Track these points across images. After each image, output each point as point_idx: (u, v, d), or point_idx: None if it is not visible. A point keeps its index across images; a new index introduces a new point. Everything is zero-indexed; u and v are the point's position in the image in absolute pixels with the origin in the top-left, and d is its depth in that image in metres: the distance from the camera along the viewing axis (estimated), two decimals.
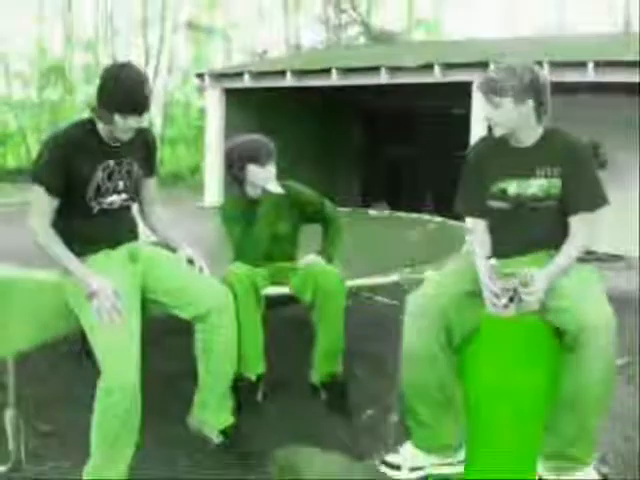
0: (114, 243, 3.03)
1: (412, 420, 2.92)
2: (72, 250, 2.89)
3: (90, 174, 2.89)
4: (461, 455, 2.89)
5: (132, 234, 3.15)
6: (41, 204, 2.86)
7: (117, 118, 2.80)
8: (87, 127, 2.93)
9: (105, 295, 2.76)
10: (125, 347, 2.74)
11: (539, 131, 2.83)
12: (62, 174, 2.83)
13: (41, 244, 2.86)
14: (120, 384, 2.67)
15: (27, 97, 29.71)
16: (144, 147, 3.11)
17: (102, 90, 2.80)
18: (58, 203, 2.88)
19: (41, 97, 29.15)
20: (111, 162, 2.95)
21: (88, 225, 2.95)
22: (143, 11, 29.64)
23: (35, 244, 2.88)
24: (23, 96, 29.84)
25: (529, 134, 2.82)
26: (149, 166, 3.17)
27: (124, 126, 2.84)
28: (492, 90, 2.74)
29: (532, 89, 2.74)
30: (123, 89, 2.77)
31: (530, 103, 2.74)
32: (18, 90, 30.08)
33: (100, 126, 2.90)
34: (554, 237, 2.81)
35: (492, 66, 8.67)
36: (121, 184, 3.01)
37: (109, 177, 2.95)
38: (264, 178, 3.54)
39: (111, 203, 2.99)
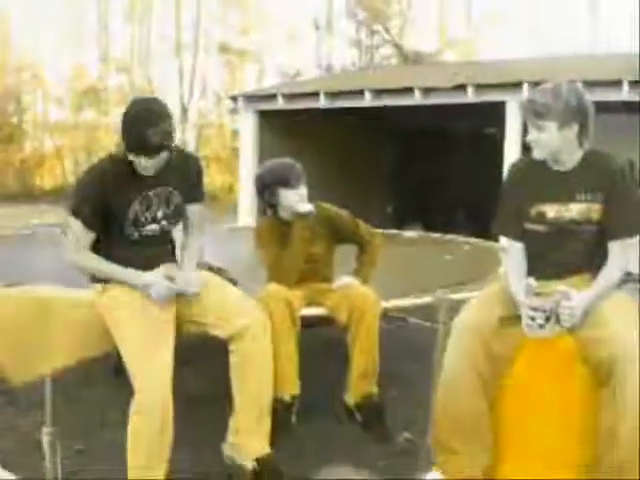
0: (152, 266, 3.01)
1: (440, 447, 2.85)
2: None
3: (126, 207, 2.91)
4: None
5: (171, 256, 3.17)
6: (78, 237, 2.93)
7: (132, 157, 2.85)
8: (120, 160, 2.93)
9: (160, 287, 2.91)
10: (158, 367, 2.74)
11: (580, 154, 2.76)
12: (98, 209, 2.87)
13: (79, 265, 3.00)
14: (151, 403, 2.68)
15: (63, 119, 30.20)
16: (186, 173, 3.08)
17: (121, 128, 2.85)
18: (96, 234, 2.94)
19: (77, 119, 29.61)
20: (148, 193, 2.95)
21: (127, 250, 2.97)
22: (177, 34, 30.04)
23: (74, 268, 3.01)
24: (59, 117, 30.35)
25: (570, 157, 2.75)
26: (193, 192, 3.13)
27: (139, 166, 2.88)
28: (536, 113, 2.67)
29: (578, 113, 2.67)
30: (131, 130, 2.80)
31: (575, 127, 2.68)
32: (54, 112, 30.61)
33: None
34: (592, 261, 2.76)
35: (526, 86, 8.66)
36: (160, 213, 3.00)
37: (147, 208, 2.96)
38: (296, 200, 3.55)
39: (151, 231, 3.01)
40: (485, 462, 2.77)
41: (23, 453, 3.37)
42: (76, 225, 2.91)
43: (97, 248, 2.96)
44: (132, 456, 2.73)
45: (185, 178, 3.07)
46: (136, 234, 2.97)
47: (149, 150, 2.80)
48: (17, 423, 3.81)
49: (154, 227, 3.00)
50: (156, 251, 3.05)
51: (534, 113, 2.68)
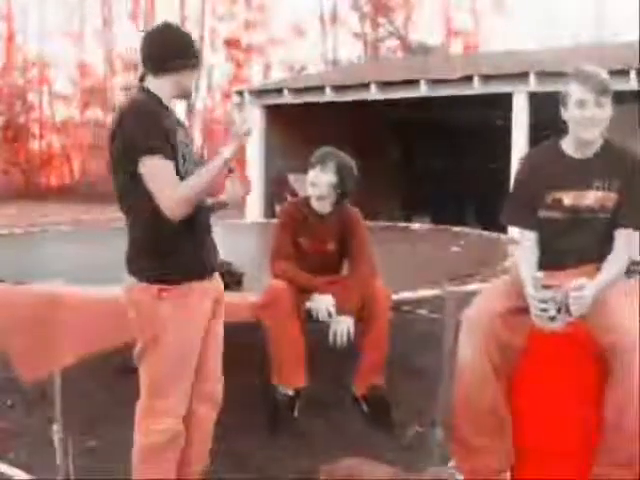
0: (209, 266, 2.67)
1: (457, 441, 2.85)
2: (166, 275, 2.52)
3: (174, 140, 2.51)
4: (505, 477, 2.82)
5: (216, 251, 2.77)
6: (165, 174, 2.43)
7: (173, 75, 2.58)
8: (148, 95, 2.58)
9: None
10: (182, 395, 2.58)
11: (600, 142, 2.76)
12: (164, 136, 2.45)
13: (192, 197, 2.44)
14: (162, 429, 2.56)
15: (70, 117, 30.29)
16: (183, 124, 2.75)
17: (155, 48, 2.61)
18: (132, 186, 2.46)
19: (83, 117, 29.69)
20: (179, 128, 2.59)
21: (185, 238, 2.54)
22: None
23: (182, 212, 2.42)
24: (66, 116, 30.44)
25: (595, 143, 2.75)
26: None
27: (179, 85, 2.61)
28: (601, 88, 2.66)
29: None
30: (176, 37, 2.63)
31: (611, 107, 2.71)
32: (61, 111, 30.71)
33: (161, 89, 2.59)
34: (606, 250, 2.73)
35: (532, 77, 8.60)
36: (193, 154, 2.65)
37: (185, 145, 2.59)
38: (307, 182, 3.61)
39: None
40: (507, 455, 2.77)
41: (35, 451, 3.38)
42: (159, 162, 2.41)
43: (148, 222, 2.49)
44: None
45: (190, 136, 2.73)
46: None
47: (196, 51, 2.65)
48: (28, 421, 3.83)
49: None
50: (208, 239, 2.69)
51: (603, 90, 2.66)
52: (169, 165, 2.43)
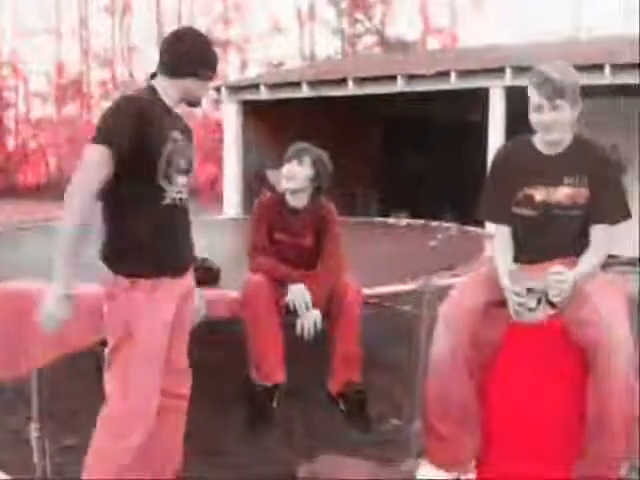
0: (180, 264, 2.69)
1: (429, 434, 2.87)
2: (137, 269, 2.53)
3: (162, 143, 2.51)
4: (471, 468, 2.85)
5: (192, 250, 2.80)
6: (92, 165, 2.40)
7: (187, 81, 2.63)
8: (151, 94, 2.61)
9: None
10: (148, 393, 2.55)
11: (570, 137, 2.75)
12: (132, 138, 2.41)
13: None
14: (138, 430, 2.52)
15: (46, 114, 30.06)
16: (189, 131, 2.78)
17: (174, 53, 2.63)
18: (109, 179, 2.42)
19: (59, 114, 29.48)
20: (177, 133, 2.59)
21: (159, 235, 2.55)
22: (159, 26, 29.89)
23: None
24: (42, 113, 30.20)
25: (563, 141, 2.74)
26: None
27: (193, 92, 2.67)
28: (555, 91, 2.62)
29: (578, 92, 2.67)
30: (194, 46, 2.65)
31: (579, 107, 2.68)
32: (37, 108, 30.45)
33: (167, 91, 2.63)
34: (578, 245, 2.74)
35: (509, 72, 8.65)
36: (183, 162, 2.62)
37: (177, 151, 2.58)
38: (282, 176, 3.57)
39: (180, 188, 2.61)
40: (474, 448, 2.79)
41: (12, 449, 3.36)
42: (96, 154, 2.40)
43: (123, 216, 2.53)
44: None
45: (191, 136, 2.78)
46: (168, 193, 2.55)
47: (214, 64, 2.69)
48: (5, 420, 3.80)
49: (181, 180, 2.60)
50: (184, 240, 2.70)
51: (553, 92, 2.62)
52: (105, 162, 2.39)
